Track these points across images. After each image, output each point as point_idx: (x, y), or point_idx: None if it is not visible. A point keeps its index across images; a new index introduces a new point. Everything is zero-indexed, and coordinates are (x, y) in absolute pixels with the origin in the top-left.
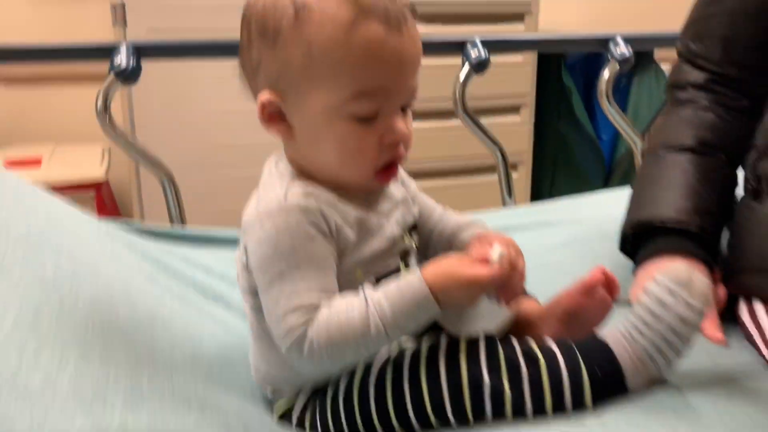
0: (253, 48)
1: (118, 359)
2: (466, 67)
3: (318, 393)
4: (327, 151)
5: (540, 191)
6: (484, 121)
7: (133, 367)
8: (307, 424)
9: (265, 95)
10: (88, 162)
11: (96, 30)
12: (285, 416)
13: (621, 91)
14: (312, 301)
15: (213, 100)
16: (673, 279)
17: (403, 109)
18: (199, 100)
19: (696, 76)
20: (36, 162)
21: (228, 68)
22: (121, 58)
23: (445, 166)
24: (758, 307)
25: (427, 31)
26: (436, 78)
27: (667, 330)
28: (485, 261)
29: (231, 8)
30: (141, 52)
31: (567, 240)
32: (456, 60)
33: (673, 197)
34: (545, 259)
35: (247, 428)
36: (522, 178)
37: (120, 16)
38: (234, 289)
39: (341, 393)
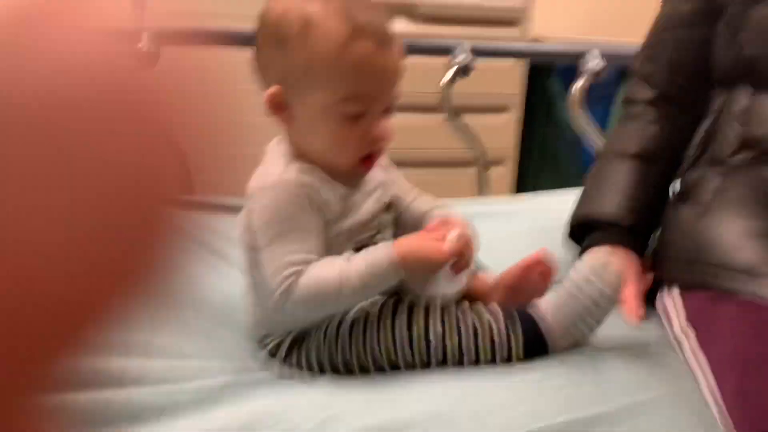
0: (265, 48)
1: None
2: (453, 69)
3: (302, 336)
4: (320, 140)
5: (524, 187)
6: (472, 117)
7: (152, 303)
8: (293, 360)
9: (272, 89)
10: None
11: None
12: (274, 355)
13: (607, 99)
14: (302, 257)
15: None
16: (590, 267)
17: (385, 112)
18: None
19: (646, 93)
20: None
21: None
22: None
23: (427, 157)
24: (674, 292)
25: (424, 30)
26: (427, 74)
27: (582, 309)
28: (445, 240)
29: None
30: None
31: (529, 228)
32: (445, 59)
33: (613, 196)
34: (506, 244)
35: (243, 356)
36: (507, 173)
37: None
38: (235, 249)
39: (322, 336)
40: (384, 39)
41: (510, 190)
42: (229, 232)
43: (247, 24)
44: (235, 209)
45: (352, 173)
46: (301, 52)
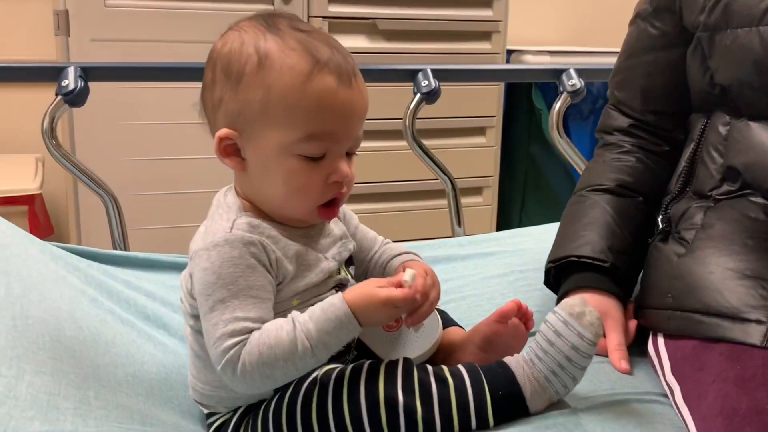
0: (216, 87)
1: (68, 375)
2: (417, 97)
3: (250, 411)
4: (275, 185)
5: (509, 216)
6: (447, 142)
7: (81, 382)
8: None
9: (223, 131)
10: (21, 173)
11: (36, 34)
12: None
13: (597, 113)
14: (247, 326)
15: (158, 119)
16: (568, 312)
17: (348, 154)
18: (144, 117)
19: (621, 121)
20: None
21: (174, 89)
22: (69, 81)
23: (395, 188)
24: (660, 340)
25: (387, 47)
26: (389, 98)
27: (562, 357)
28: (399, 284)
29: (177, 17)
30: (89, 74)
31: (504, 271)
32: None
33: (591, 235)
34: (479, 289)
35: None
36: (487, 201)
37: (63, 24)
38: (174, 314)
39: (271, 411)
40: (347, 74)
41: (492, 221)
42: (166, 296)
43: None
44: (173, 267)
45: (308, 224)
46: (256, 89)
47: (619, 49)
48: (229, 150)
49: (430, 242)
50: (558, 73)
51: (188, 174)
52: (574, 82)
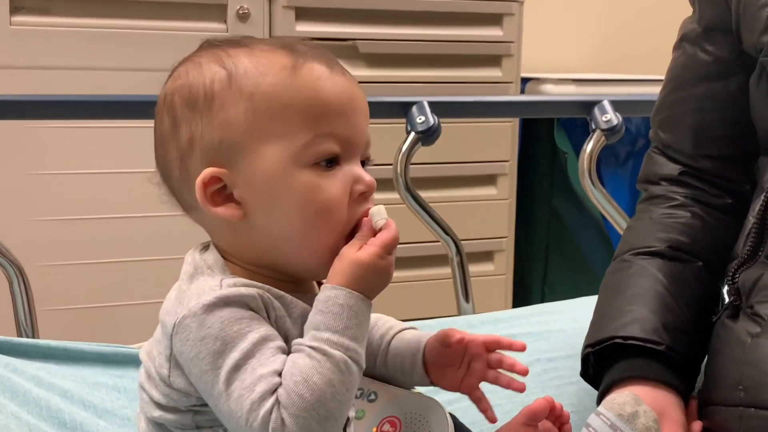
0: (181, 129)
1: None
2: (411, 136)
3: None
4: (288, 218)
5: (528, 289)
6: (449, 194)
7: None
8: None
9: (207, 171)
10: None
11: None
12: None
13: (637, 156)
14: (276, 381)
15: (75, 167)
16: (616, 412)
17: (362, 164)
18: (57, 165)
19: (668, 168)
20: None
21: (97, 129)
22: None
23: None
24: None
25: (372, 75)
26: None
27: None
28: (372, 231)
29: (102, 39)
30: None
31: (527, 360)
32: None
33: (639, 311)
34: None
35: None
36: (500, 269)
37: None
38: (98, 419)
39: None
40: (336, 63)
41: (507, 295)
42: (86, 395)
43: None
44: (95, 359)
45: (319, 277)
46: (236, 102)
47: (661, 77)
48: (218, 197)
49: (429, 323)
50: (589, 106)
51: (115, 238)
52: (610, 117)
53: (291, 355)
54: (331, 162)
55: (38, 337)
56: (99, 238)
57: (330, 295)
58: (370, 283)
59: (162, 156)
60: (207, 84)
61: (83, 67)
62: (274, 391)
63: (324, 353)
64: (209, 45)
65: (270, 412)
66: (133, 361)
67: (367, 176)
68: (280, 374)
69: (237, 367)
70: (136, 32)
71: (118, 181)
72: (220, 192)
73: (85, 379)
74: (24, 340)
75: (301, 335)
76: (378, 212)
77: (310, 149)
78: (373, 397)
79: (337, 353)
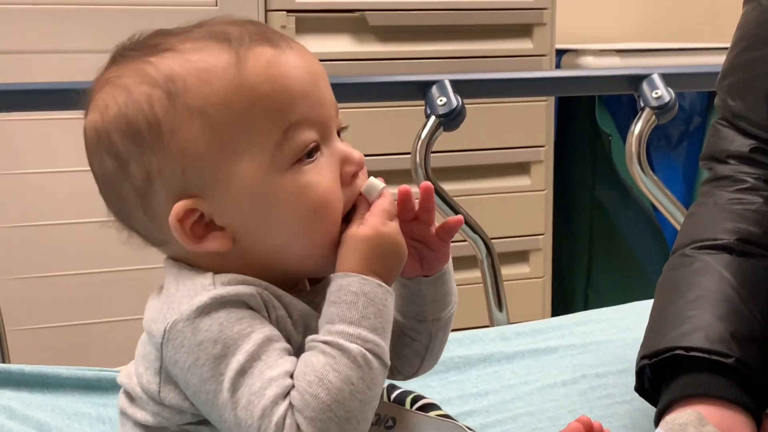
0: (130, 167)
1: None
2: (431, 121)
3: None
4: (287, 226)
5: (569, 293)
6: (477, 186)
7: None
8: None
9: (179, 205)
10: None
11: None
12: None
13: (692, 137)
14: (287, 383)
15: (45, 165)
16: None
17: (338, 135)
18: (25, 163)
19: (738, 143)
20: None
21: (68, 120)
22: None
23: None
24: None
25: (384, 50)
26: (391, 124)
27: None
28: (366, 207)
29: (74, 16)
30: None
31: (572, 376)
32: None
33: (704, 317)
34: (537, 404)
35: None
36: (537, 272)
37: None
38: None
39: None
40: (276, 37)
41: (545, 301)
42: (65, 427)
43: None
44: (75, 385)
45: (312, 287)
46: (185, 123)
47: (719, 45)
48: (198, 228)
49: (458, 335)
50: (636, 80)
51: (92, 245)
52: (661, 92)
53: (303, 354)
54: (312, 152)
55: (9, 362)
56: (74, 247)
57: (342, 283)
58: (381, 259)
59: (114, 200)
60: (146, 110)
61: (55, 50)
62: (286, 394)
63: (339, 347)
64: (122, 57)
65: (284, 417)
66: (118, 386)
67: (354, 153)
68: (291, 375)
69: (242, 372)
70: (114, 8)
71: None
72: (199, 222)
73: (65, 410)
74: None
75: (301, 339)
76: (371, 187)
77: (286, 147)
78: (390, 423)
79: (353, 347)
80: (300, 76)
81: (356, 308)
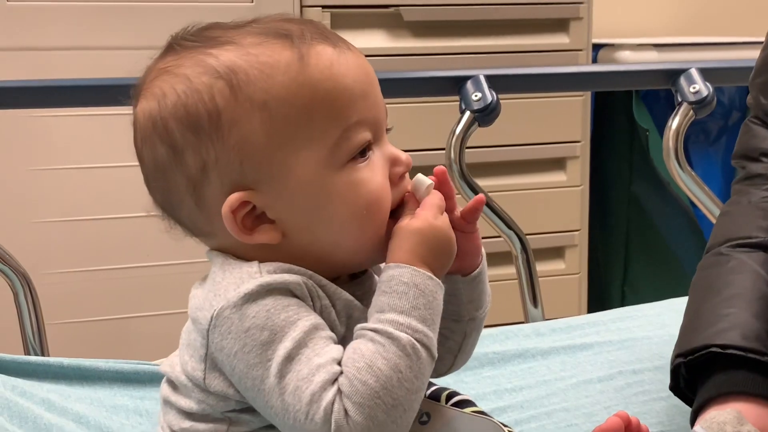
0: (186, 156)
1: None
2: (466, 116)
3: None
4: (339, 222)
5: (606, 289)
6: (512, 182)
7: None
8: None
9: (233, 197)
10: None
11: None
12: None
13: (731, 132)
14: (336, 369)
15: (84, 160)
16: None
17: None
18: (62, 158)
19: None
20: None
21: (105, 116)
22: None
23: None
24: None
25: (435, 45)
26: (425, 119)
27: None
28: (416, 202)
29: (106, 14)
30: None
31: (608, 372)
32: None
33: (739, 314)
34: (572, 400)
35: None
36: (573, 268)
37: None
38: None
39: None
40: (334, 36)
41: (581, 297)
42: (103, 420)
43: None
44: (112, 378)
45: (358, 277)
46: (248, 116)
47: (757, 39)
48: (248, 220)
49: (492, 331)
50: (674, 75)
51: (131, 240)
52: (698, 87)
53: (353, 342)
54: (365, 150)
55: (48, 355)
56: (112, 241)
57: (393, 273)
58: (433, 252)
59: (163, 187)
60: (207, 101)
61: (88, 46)
62: (335, 380)
63: (389, 336)
64: (180, 46)
65: (332, 402)
66: (155, 379)
67: (402, 155)
68: (338, 362)
69: (290, 358)
70: (148, 5)
71: (131, 175)
72: (250, 215)
73: (102, 402)
74: (32, 358)
75: (346, 333)
76: (420, 184)
77: (344, 146)
78: (425, 418)
79: (403, 335)
80: (359, 77)
81: (407, 298)
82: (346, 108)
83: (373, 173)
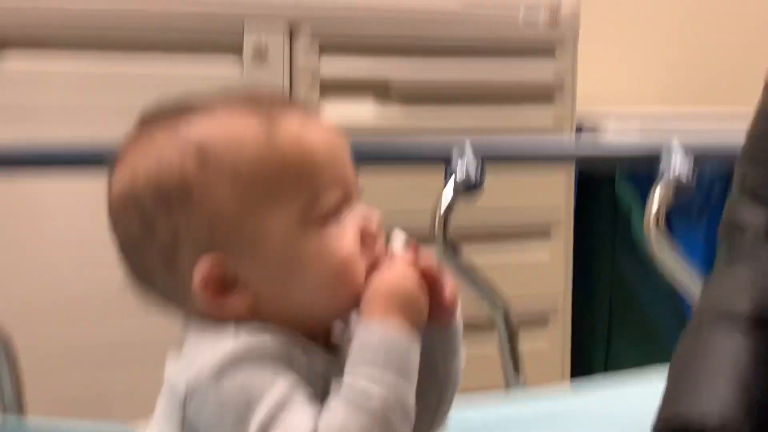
0: (157, 225)
1: None
2: (450, 187)
3: None
4: (311, 280)
5: (588, 359)
6: (494, 250)
7: None
8: None
9: (204, 263)
10: None
11: None
12: None
13: (713, 208)
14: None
15: (65, 231)
16: None
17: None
18: (46, 228)
19: (756, 215)
20: None
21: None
22: None
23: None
24: None
25: (407, 115)
26: (407, 188)
27: None
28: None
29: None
30: None
31: None
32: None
33: (720, 387)
34: None
35: None
36: (556, 338)
37: None
38: None
39: None
40: (299, 108)
41: (563, 366)
42: None
43: None
44: None
45: (347, 315)
46: (217, 184)
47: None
48: (223, 288)
49: (472, 398)
50: (654, 158)
51: (113, 295)
52: (681, 167)
53: (329, 401)
54: (335, 213)
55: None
56: (93, 295)
57: (366, 329)
58: (405, 307)
59: (137, 263)
60: (176, 175)
61: (78, 116)
62: None
63: (363, 392)
64: (152, 120)
65: None
66: None
67: (373, 213)
68: (315, 423)
69: (267, 424)
70: (139, 76)
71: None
72: (220, 280)
73: None
74: (10, 419)
75: (323, 387)
76: (398, 241)
77: (315, 207)
78: None
79: (377, 390)
80: (327, 145)
81: (378, 353)
82: (316, 174)
83: (344, 235)
